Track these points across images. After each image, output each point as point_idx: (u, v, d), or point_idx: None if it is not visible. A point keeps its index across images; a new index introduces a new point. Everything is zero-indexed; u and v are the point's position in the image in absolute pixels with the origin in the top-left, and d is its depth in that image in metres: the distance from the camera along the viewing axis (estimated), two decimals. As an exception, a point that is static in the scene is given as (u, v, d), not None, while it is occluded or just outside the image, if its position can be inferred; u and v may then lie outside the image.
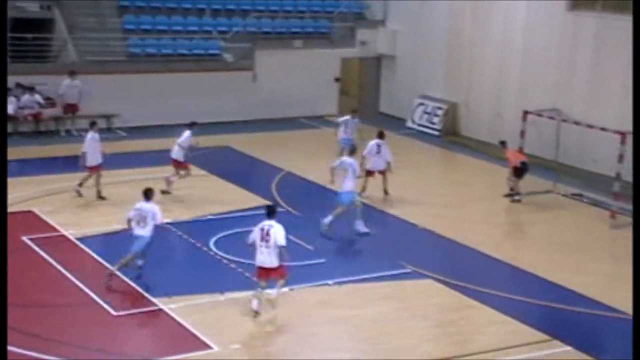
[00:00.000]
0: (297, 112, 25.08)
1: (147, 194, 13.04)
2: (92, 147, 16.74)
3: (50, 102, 22.26)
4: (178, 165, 17.44)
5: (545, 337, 11.76)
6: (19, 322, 11.13)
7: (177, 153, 17.40)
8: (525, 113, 19.24)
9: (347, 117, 20.34)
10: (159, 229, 13.10)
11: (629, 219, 17.17)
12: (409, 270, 13.95)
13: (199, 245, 14.60)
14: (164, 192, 16.94)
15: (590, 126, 18.27)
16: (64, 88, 22.05)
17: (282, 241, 11.73)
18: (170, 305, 12.17)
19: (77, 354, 10.75)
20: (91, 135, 16.87)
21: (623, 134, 16.88)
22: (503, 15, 22.67)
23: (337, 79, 26.19)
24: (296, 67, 25.04)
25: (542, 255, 15.14)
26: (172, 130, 22.71)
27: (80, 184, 16.85)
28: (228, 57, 24.78)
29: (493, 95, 23.04)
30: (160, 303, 12.25)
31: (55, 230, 15.11)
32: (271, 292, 12.05)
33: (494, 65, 22.97)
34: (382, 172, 17.71)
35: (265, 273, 11.99)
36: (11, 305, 10.61)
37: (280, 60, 24.85)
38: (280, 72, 24.72)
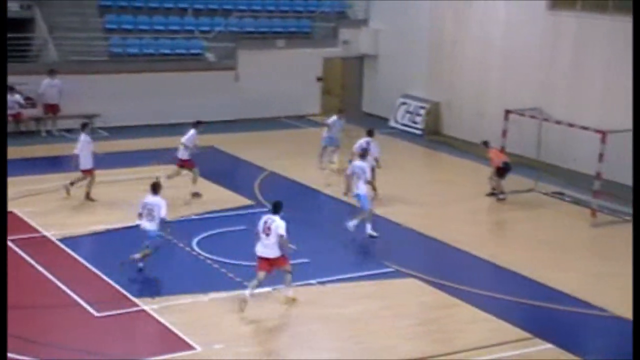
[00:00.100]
0: (280, 111, 25.07)
1: (155, 188, 13.35)
2: (84, 149, 16.59)
3: (30, 102, 22.11)
4: (183, 164, 17.32)
5: (527, 335, 11.83)
6: (0, 324, 11.04)
7: (182, 152, 17.29)
8: (507, 112, 19.35)
9: (334, 117, 20.39)
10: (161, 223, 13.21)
11: (609, 217, 17.32)
12: (392, 269, 13.98)
13: (181, 245, 14.55)
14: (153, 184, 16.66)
15: (571, 125, 18.39)
16: (43, 87, 21.91)
17: (281, 231, 12.04)
18: (153, 306, 12.13)
19: (60, 355, 10.69)
20: (83, 137, 16.72)
21: (603, 133, 17.01)
22: (484, 15, 22.79)
23: (319, 79, 26.20)
24: (279, 66, 25.02)
25: (524, 253, 15.23)
26: (154, 130, 22.80)
27: (72, 183, 16.73)
28: (210, 56, 24.72)
29: (475, 94, 23.15)
30: (143, 304, 12.20)
31: (36, 231, 15.01)
32: (286, 291, 12.36)
33: (476, 65, 23.08)
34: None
35: (267, 263, 12.21)
36: (-8, 306, 10.53)
37: (263, 60, 24.83)
38: (262, 71, 24.70)
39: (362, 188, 15.55)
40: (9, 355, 10.34)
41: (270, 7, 26.58)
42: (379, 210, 17.15)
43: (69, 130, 22.26)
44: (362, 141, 17.75)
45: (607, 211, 17.43)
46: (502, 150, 18.82)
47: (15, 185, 17.23)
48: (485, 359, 11.11)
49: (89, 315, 11.87)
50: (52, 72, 21.97)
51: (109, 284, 12.87)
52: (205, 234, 15.05)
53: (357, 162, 15.90)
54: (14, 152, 20.17)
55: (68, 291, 12.54)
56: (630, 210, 17.43)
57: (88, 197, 16.70)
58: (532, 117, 19.41)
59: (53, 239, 14.68)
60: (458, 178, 20.22)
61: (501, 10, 22.29)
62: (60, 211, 16.17)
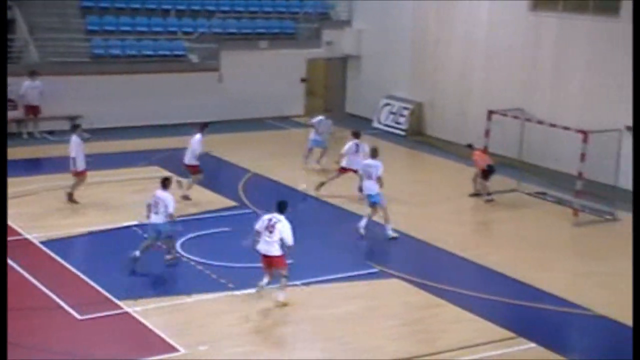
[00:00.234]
0: (263, 112, 25.04)
1: (165, 183, 13.65)
2: (79, 150, 16.50)
3: (11, 104, 21.93)
4: (192, 168, 17.24)
5: (510, 334, 11.88)
6: (-18, 328, 10.95)
7: (190, 159, 17.18)
8: (490, 112, 19.44)
9: (320, 117, 20.40)
10: (167, 221, 13.49)
11: (591, 217, 17.45)
12: (376, 270, 14.01)
13: (165, 247, 14.48)
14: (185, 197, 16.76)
15: (553, 125, 18.51)
16: (24, 89, 21.76)
17: (290, 241, 12.21)
18: (136, 308, 12.07)
19: (42, 358, 10.61)
20: (74, 139, 16.59)
21: (585, 133, 17.13)
22: (466, 15, 22.88)
23: (303, 80, 26.20)
24: (262, 67, 25.00)
25: (508, 253, 15.31)
26: (137, 131, 22.69)
27: (70, 193, 16.62)
28: (193, 57, 24.65)
29: (458, 95, 23.24)
30: (126, 306, 12.14)
31: (18, 234, 14.89)
32: (277, 294, 12.35)
33: (459, 65, 23.18)
34: (357, 172, 17.86)
35: (268, 261, 12.28)
36: (-27, 310, 10.43)
37: (246, 61, 24.80)
38: (246, 72, 24.66)
39: (373, 188, 15.51)
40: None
41: (253, 8, 26.54)
42: (362, 211, 17.19)
43: (50, 132, 22.15)
44: (352, 143, 17.80)
45: (588, 211, 17.56)
46: (485, 150, 18.89)
47: (-3, 187, 17.11)
48: (469, 359, 11.15)
49: (72, 318, 11.79)
50: (32, 74, 21.82)
51: (92, 286, 12.80)
52: (188, 236, 15.00)
53: (370, 161, 15.84)
54: (-5, 154, 20.07)
55: (51, 294, 12.45)
56: (611, 209, 17.59)
57: (70, 198, 16.60)
58: (515, 117, 19.52)
59: (35, 241, 14.58)
60: (441, 178, 20.29)
61: (484, 10, 22.39)
62: (42, 214, 16.06)
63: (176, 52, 24.50)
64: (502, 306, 12.97)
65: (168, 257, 13.80)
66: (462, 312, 12.54)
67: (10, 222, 15.30)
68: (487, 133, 19.31)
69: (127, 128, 22.77)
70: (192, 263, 13.91)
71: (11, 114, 21.85)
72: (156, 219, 13.52)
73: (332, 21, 26.95)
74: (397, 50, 24.85)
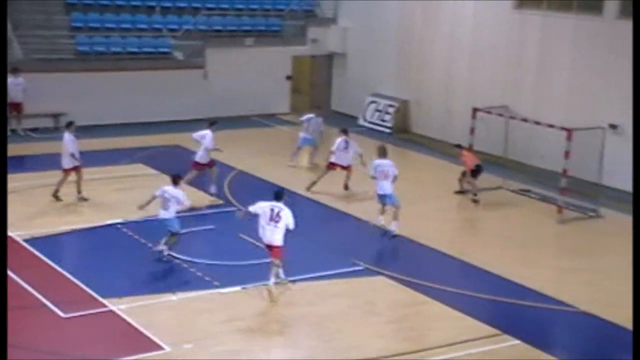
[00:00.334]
0: (249, 110, 24.99)
1: (175, 180, 13.85)
2: (68, 149, 16.43)
3: (-6, 101, 21.78)
4: (200, 166, 17.21)
5: (495, 331, 11.93)
6: (-36, 327, 10.86)
7: (202, 157, 17.13)
8: (475, 110, 19.50)
9: (310, 115, 20.41)
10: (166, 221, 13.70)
11: (575, 214, 17.56)
12: (361, 268, 14.02)
13: (149, 245, 14.43)
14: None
15: (537, 123, 18.59)
16: (7, 86, 21.58)
17: (292, 226, 12.51)
18: (121, 306, 12.02)
19: (26, 357, 10.55)
20: (67, 136, 16.53)
21: (569, 131, 17.22)
22: (452, 13, 22.93)
23: (288, 77, 26.17)
24: (247, 65, 24.95)
25: (493, 250, 15.37)
26: (121, 129, 22.57)
27: (79, 191, 16.60)
28: (178, 55, 24.56)
29: (443, 92, 23.30)
30: (110, 304, 12.09)
31: (1, 232, 14.77)
32: (270, 284, 12.47)
33: (444, 63, 23.22)
34: (346, 168, 18.04)
35: (269, 249, 12.54)
36: (-44, 309, 10.34)
37: (232, 58, 24.73)
38: (231, 70, 24.61)
39: (389, 187, 15.59)
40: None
41: (238, 5, 26.47)
42: (348, 208, 17.20)
43: (34, 130, 22.00)
44: (341, 140, 17.95)
45: (572, 208, 17.66)
46: (471, 148, 18.93)
47: (-20, 185, 16.98)
48: (454, 356, 11.19)
49: (55, 316, 11.73)
50: (15, 71, 21.65)
51: (76, 284, 12.73)
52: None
53: (382, 161, 15.87)
54: (-22, 151, 19.91)
55: (35, 292, 12.37)
56: (594, 206, 17.70)
57: (55, 194, 16.52)
58: (499, 115, 19.59)
59: (18, 239, 14.47)
60: (427, 176, 20.32)
61: (469, 9, 22.45)
62: (25, 212, 15.94)
63: (161, 50, 24.39)
64: (487, 303, 13.02)
65: (160, 248, 13.74)
66: (447, 310, 12.58)
67: (-7, 220, 15.21)
68: (472, 131, 19.37)
69: (112, 125, 22.66)
70: (177, 261, 13.86)
71: (-6, 111, 21.71)
72: (167, 214, 13.69)
73: (318, 19, 26.93)
74: (383, 48, 24.87)
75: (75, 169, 16.63)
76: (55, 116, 22.16)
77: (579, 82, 19.89)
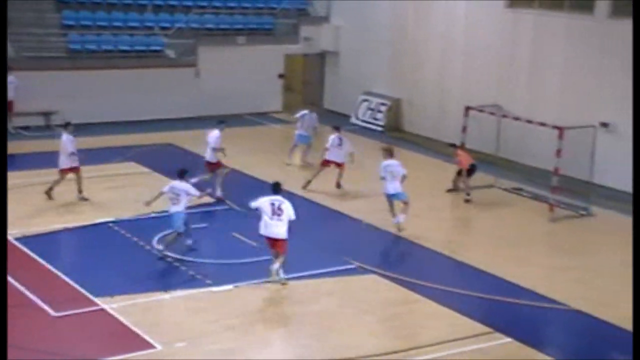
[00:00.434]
0: (241, 108, 24.95)
1: (181, 174, 13.96)
2: (74, 147, 16.39)
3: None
4: (211, 166, 17.13)
5: (487, 329, 11.95)
6: (-45, 326, 10.82)
7: (211, 156, 17.09)
8: (467, 109, 19.52)
9: (304, 111, 20.42)
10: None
11: (567, 212, 17.61)
12: (353, 266, 14.02)
13: (141, 243, 14.41)
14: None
15: (529, 121, 18.63)
16: (-2, 84, 21.52)
17: (293, 216, 12.69)
18: (112, 305, 11.99)
19: (17, 356, 10.49)
20: (65, 137, 16.47)
21: (561, 129, 17.26)
22: (444, 12, 22.96)
23: (281, 75, 26.16)
24: (240, 63, 24.92)
25: (485, 248, 15.39)
26: (113, 127, 22.51)
27: (80, 191, 16.55)
28: (170, 53, 24.52)
29: (436, 91, 23.32)
30: (102, 303, 12.05)
31: (-8, 230, 14.72)
32: (274, 269, 12.66)
33: (437, 62, 23.25)
34: (339, 165, 18.08)
35: (273, 243, 12.63)
36: (-54, 308, 10.29)
37: (224, 56, 24.70)
38: (223, 68, 24.57)
39: (398, 186, 15.62)
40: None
41: (231, 4, 26.44)
42: (340, 207, 17.21)
43: (25, 128, 21.92)
44: (334, 137, 18.08)
45: (564, 206, 17.71)
46: (463, 146, 18.96)
47: (-30, 183, 16.91)
48: (447, 354, 11.20)
49: (46, 315, 11.69)
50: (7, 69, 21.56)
51: (67, 283, 12.69)
52: (165, 232, 14.90)
53: (389, 161, 15.87)
54: (-32, 150, 19.81)
55: (25, 291, 12.33)
56: (586, 205, 17.76)
57: (48, 192, 16.46)
58: (492, 113, 19.63)
59: (10, 238, 14.41)
60: (419, 174, 20.26)
61: (461, 8, 22.48)
62: (16, 210, 15.86)
63: (153, 48, 24.34)
64: (479, 302, 13.04)
65: (161, 247, 13.84)
66: (439, 308, 12.59)
67: (-16, 219, 15.15)
68: (464, 129, 19.40)
69: (103, 124, 22.60)
70: (169, 259, 13.84)
71: (-15, 110, 21.60)
72: (177, 208, 13.75)
73: (310, 17, 26.92)
74: (375, 47, 24.88)
75: (73, 169, 16.54)
76: (47, 114, 22.08)
77: (571, 81, 19.95)
